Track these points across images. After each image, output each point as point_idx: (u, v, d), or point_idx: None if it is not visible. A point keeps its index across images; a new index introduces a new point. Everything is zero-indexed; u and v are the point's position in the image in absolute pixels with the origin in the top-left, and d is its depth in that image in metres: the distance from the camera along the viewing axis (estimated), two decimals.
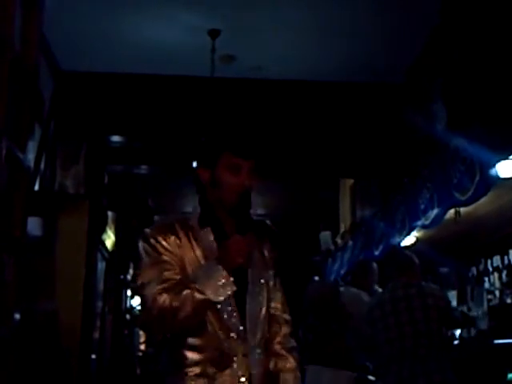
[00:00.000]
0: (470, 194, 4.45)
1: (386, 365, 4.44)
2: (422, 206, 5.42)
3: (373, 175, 7.74)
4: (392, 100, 6.37)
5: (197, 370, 2.27)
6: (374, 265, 5.97)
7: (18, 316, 2.93)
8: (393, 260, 4.92)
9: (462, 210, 5.22)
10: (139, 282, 2.29)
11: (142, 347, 12.76)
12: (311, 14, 5.71)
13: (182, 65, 6.31)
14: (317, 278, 7.47)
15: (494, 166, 4.14)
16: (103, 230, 6.13)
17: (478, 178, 4.32)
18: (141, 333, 12.49)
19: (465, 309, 7.32)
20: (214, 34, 5.94)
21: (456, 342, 6.23)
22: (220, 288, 2.24)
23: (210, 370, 2.26)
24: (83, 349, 5.19)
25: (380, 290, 6.04)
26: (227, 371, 2.26)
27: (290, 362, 2.48)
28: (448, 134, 4.83)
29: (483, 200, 4.79)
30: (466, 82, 4.72)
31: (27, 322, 3.46)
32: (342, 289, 5.88)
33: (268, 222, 2.77)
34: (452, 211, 5.23)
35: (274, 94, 6.63)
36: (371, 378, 4.96)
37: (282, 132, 7.34)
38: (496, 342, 5.08)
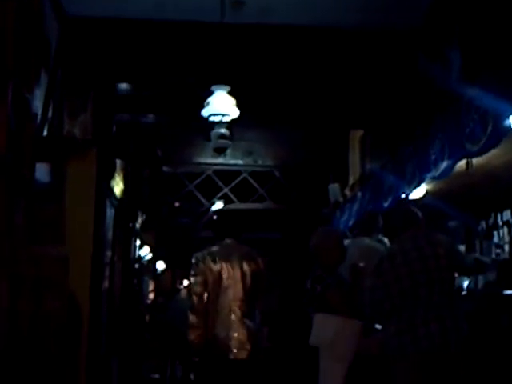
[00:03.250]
0: (481, 144, 4.40)
1: (398, 313, 4.48)
2: (433, 157, 5.38)
3: (383, 126, 7.67)
4: (405, 48, 6.25)
5: None
6: (380, 216, 6.00)
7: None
8: (399, 214, 4.93)
9: (474, 162, 5.18)
10: None
11: (151, 296, 12.92)
12: None
13: (192, 10, 6.20)
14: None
15: (507, 116, 4.07)
16: (112, 177, 6.12)
17: (490, 129, 4.26)
18: (150, 282, 12.63)
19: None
20: None
21: (464, 293, 6.26)
22: None
23: None
24: (93, 298, 5.21)
25: (385, 239, 6.06)
26: None
27: None
28: (463, 83, 4.76)
29: (496, 152, 4.74)
30: (484, 30, 4.62)
31: (37, 268, 3.47)
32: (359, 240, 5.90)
33: None
34: (463, 163, 5.19)
35: (283, 40, 6.52)
36: (378, 326, 4.98)
37: (292, 81, 7.26)
38: (505, 292, 5.10)
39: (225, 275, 5.40)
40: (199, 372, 5.83)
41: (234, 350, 5.34)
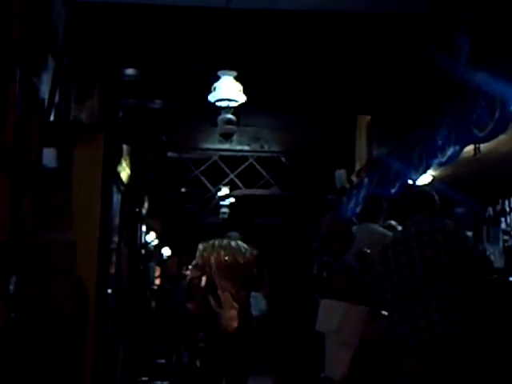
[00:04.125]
0: (488, 130, 4.38)
1: (401, 301, 4.47)
2: (440, 142, 5.36)
3: (390, 111, 7.65)
4: (413, 32, 6.21)
5: None
6: (384, 201, 5.99)
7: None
8: (408, 197, 4.90)
9: (482, 148, 5.16)
10: None
11: (157, 281, 12.95)
12: None
13: None
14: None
15: None
16: (118, 162, 6.11)
17: (497, 115, 4.24)
18: (156, 267, 12.67)
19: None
20: None
21: None
22: None
23: None
24: (100, 283, 5.22)
25: (393, 222, 6.06)
26: None
27: None
28: (471, 68, 4.72)
29: (503, 138, 4.73)
30: (492, 14, 4.59)
31: (45, 254, 3.48)
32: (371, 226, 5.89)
33: None
34: (471, 149, 5.17)
35: (290, 26, 6.49)
36: (384, 312, 4.98)
37: (299, 66, 7.24)
38: None
39: (219, 263, 6.42)
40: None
41: (224, 325, 6.36)
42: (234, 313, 6.37)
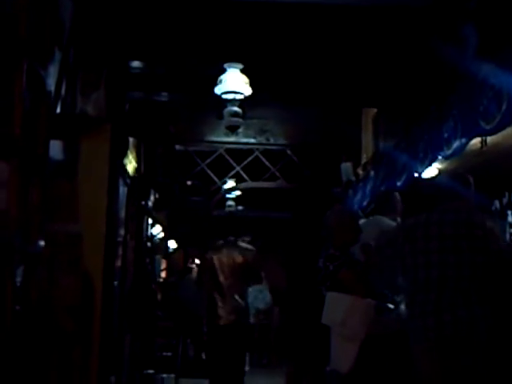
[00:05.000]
0: (495, 122, 4.35)
1: (424, 293, 4.23)
2: (446, 135, 5.34)
3: (397, 104, 7.63)
4: (419, 24, 6.18)
5: None
6: (397, 197, 5.93)
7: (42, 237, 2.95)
8: (446, 181, 4.60)
9: (489, 140, 5.14)
10: None
11: (163, 274, 12.98)
12: None
13: None
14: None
15: None
16: (125, 155, 6.12)
17: (504, 107, 4.22)
18: (162, 260, 12.70)
19: None
20: None
21: None
22: None
23: None
24: (106, 275, 5.23)
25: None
26: None
27: None
28: (478, 60, 4.69)
29: (511, 130, 4.70)
30: (500, 5, 4.55)
31: (51, 245, 3.49)
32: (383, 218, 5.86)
33: None
34: (478, 141, 5.15)
35: (296, 18, 6.47)
36: (391, 306, 4.98)
37: (305, 59, 7.22)
38: None
39: (221, 264, 7.74)
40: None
41: (222, 317, 7.62)
42: (229, 309, 7.64)
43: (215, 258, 7.77)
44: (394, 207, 5.80)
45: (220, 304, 7.66)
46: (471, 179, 4.55)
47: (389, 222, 5.62)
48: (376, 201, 6.46)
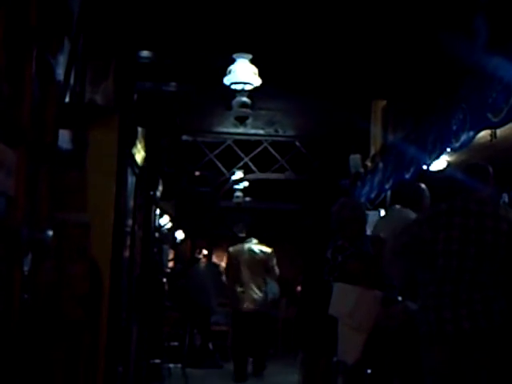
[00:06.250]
0: (502, 115, 4.31)
1: (439, 284, 4.15)
2: (454, 128, 5.32)
3: (406, 96, 7.60)
4: (429, 16, 6.15)
5: None
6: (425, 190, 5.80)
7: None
8: (468, 171, 4.53)
9: (498, 134, 5.11)
10: None
11: (171, 264, 13.00)
12: None
13: None
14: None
15: None
16: (133, 144, 6.11)
17: None
18: (169, 251, 12.72)
19: None
20: None
21: None
22: None
23: None
24: (114, 265, 5.23)
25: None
26: None
27: None
28: (488, 52, 4.66)
29: None
30: None
31: (60, 233, 3.49)
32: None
33: None
34: (487, 134, 5.13)
35: (306, 9, 6.44)
36: (398, 297, 4.98)
37: (315, 50, 7.20)
38: None
39: (242, 262, 9.89)
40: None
41: (245, 305, 9.70)
42: (251, 297, 9.65)
43: (238, 255, 9.94)
44: (420, 200, 5.71)
45: (241, 295, 9.69)
46: (491, 170, 4.49)
47: (413, 215, 5.45)
48: (401, 191, 6.37)
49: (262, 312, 9.88)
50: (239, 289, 9.77)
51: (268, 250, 10.12)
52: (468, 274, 4.07)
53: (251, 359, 10.26)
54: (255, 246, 10.06)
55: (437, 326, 4.10)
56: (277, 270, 10.28)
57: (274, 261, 10.16)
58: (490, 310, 4.02)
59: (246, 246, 10.03)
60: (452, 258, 4.12)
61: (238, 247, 10.18)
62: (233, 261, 10.08)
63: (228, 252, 10.51)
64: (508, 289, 4.11)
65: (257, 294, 9.76)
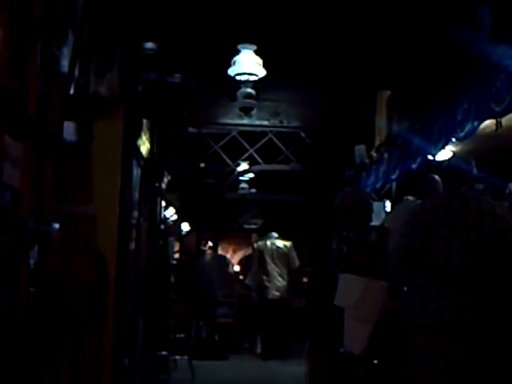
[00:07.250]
0: (505, 104, 4.33)
1: (440, 278, 4.22)
2: (460, 117, 5.31)
3: (411, 86, 7.58)
4: (434, 6, 6.13)
5: None
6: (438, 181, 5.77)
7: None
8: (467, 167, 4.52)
9: (504, 124, 5.09)
10: None
11: (176, 256, 13.01)
12: None
13: None
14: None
15: None
16: (138, 135, 6.10)
17: None
18: (175, 243, 12.72)
19: None
20: None
21: None
22: None
23: None
24: (120, 258, 5.24)
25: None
26: None
27: None
28: (493, 42, 4.65)
29: None
30: None
31: (66, 225, 3.49)
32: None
33: None
34: (493, 123, 5.11)
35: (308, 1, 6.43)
36: (405, 288, 4.97)
37: (319, 41, 7.18)
38: None
39: (267, 255, 11.32)
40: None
41: (270, 294, 11.15)
42: (276, 286, 11.10)
43: (263, 248, 11.40)
44: (433, 191, 5.68)
45: (267, 284, 11.14)
46: (473, 163, 4.52)
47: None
48: (413, 182, 6.35)
49: (285, 299, 11.36)
50: (265, 278, 11.24)
51: (288, 243, 11.57)
52: (454, 269, 4.16)
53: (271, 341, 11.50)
54: (277, 240, 11.57)
55: (421, 317, 4.19)
56: (297, 261, 11.48)
57: (294, 253, 11.49)
58: (474, 303, 4.10)
59: (269, 241, 11.52)
60: (438, 253, 4.21)
61: (261, 243, 11.68)
62: (258, 254, 11.53)
63: (253, 247, 12.22)
64: (492, 282, 4.18)
65: (280, 282, 11.24)
